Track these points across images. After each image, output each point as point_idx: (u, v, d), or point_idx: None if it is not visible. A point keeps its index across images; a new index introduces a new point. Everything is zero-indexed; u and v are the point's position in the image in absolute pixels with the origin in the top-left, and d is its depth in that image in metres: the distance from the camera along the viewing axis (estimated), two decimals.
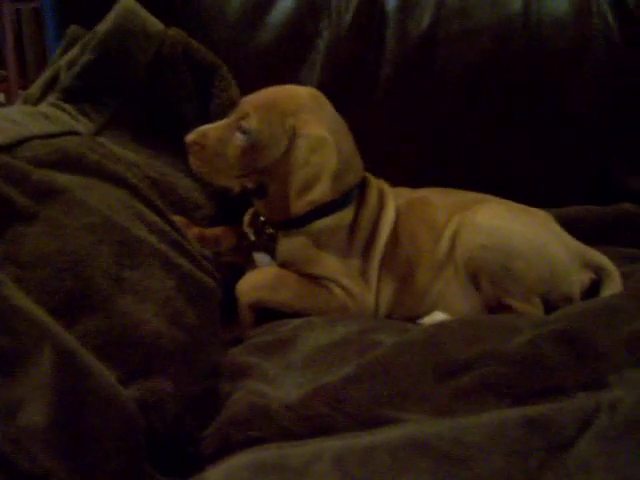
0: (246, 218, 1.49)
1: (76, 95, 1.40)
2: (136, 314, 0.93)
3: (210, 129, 1.38)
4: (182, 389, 0.93)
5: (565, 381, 0.97)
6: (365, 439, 0.85)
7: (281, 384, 1.03)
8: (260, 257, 1.44)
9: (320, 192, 1.32)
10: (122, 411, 0.81)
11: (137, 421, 0.83)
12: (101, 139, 1.34)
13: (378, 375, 0.99)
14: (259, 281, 1.37)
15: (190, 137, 1.38)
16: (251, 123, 1.34)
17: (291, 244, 1.40)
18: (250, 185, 1.39)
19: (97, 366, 0.81)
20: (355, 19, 1.75)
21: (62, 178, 1.03)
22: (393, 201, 1.47)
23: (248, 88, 1.45)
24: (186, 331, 0.99)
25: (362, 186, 1.46)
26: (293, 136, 1.33)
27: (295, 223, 1.38)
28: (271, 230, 1.42)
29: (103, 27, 1.44)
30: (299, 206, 1.33)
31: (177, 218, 1.30)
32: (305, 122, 1.34)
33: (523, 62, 1.77)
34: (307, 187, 1.32)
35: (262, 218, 1.44)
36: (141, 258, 1.01)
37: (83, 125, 1.36)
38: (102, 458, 0.78)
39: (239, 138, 1.35)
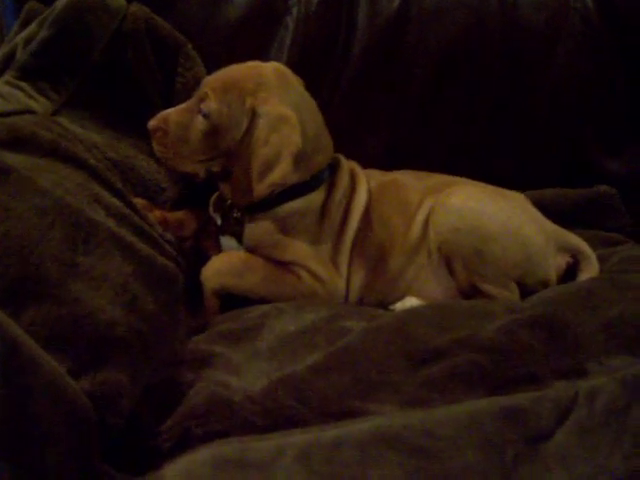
0: (212, 201, 1.44)
1: (33, 73, 1.35)
2: (89, 301, 0.88)
3: (171, 113, 1.34)
4: (139, 381, 0.89)
5: (542, 369, 0.94)
6: (331, 432, 0.82)
7: (245, 374, 0.98)
8: (227, 241, 1.39)
9: (281, 173, 1.27)
10: (72, 405, 0.76)
11: (89, 416, 0.78)
12: (59, 119, 1.29)
13: (346, 364, 0.95)
14: (224, 266, 1.32)
15: (152, 122, 1.33)
16: (210, 105, 1.29)
17: (258, 228, 1.35)
18: (216, 169, 1.34)
19: (44, 357, 0.76)
20: None
21: (11, 158, 0.98)
22: (365, 184, 1.43)
23: (215, 67, 1.40)
24: (144, 319, 0.94)
25: (333, 168, 1.41)
26: (253, 115, 1.28)
27: (261, 206, 1.33)
28: (238, 214, 1.37)
29: (61, 2, 1.39)
30: (260, 188, 1.28)
31: (139, 201, 1.26)
32: (265, 100, 1.28)
33: (498, 40, 1.74)
34: (267, 168, 1.27)
35: (228, 201, 1.39)
36: (96, 242, 0.96)
37: (40, 104, 1.31)
38: (50, 456, 0.73)
39: (200, 121, 1.31)
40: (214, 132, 1.30)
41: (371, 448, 0.78)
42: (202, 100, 1.31)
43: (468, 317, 1.08)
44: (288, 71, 1.37)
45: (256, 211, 1.34)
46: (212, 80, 1.34)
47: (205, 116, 1.30)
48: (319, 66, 1.70)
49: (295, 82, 1.36)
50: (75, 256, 0.92)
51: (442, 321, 1.06)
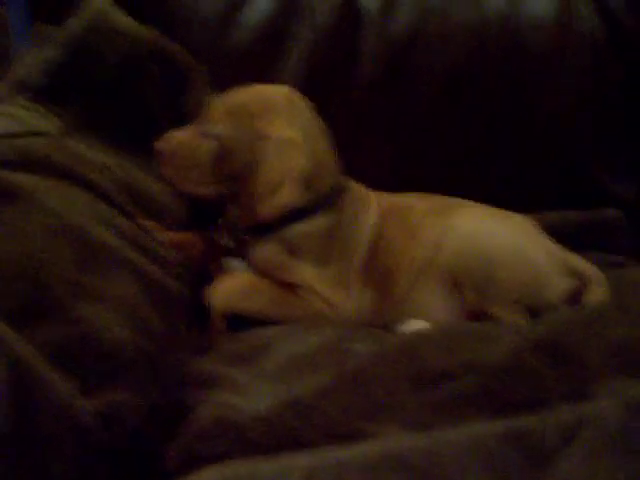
0: (219, 222, 1.44)
1: (44, 94, 1.36)
2: (96, 321, 0.88)
3: (179, 135, 1.34)
4: (145, 401, 0.89)
5: (547, 392, 0.93)
6: (338, 454, 0.81)
7: (251, 395, 0.98)
8: (233, 263, 1.39)
9: (287, 196, 1.28)
10: (77, 425, 0.77)
11: (94, 436, 0.79)
12: (69, 140, 1.30)
13: (352, 387, 0.94)
14: (232, 288, 1.32)
15: (160, 144, 1.34)
16: (218, 128, 1.30)
17: (264, 250, 1.35)
18: (223, 191, 1.35)
19: (49, 374, 0.76)
20: (331, 19, 1.72)
21: (22, 179, 0.99)
22: (372, 205, 1.43)
23: (222, 89, 1.40)
24: (151, 339, 0.94)
25: (340, 190, 1.41)
26: (260, 138, 1.28)
27: (267, 228, 1.33)
28: (244, 235, 1.37)
29: (73, 24, 1.41)
30: (266, 211, 1.28)
31: (147, 222, 1.26)
32: (272, 124, 1.29)
33: (502, 63, 1.74)
34: (273, 190, 1.27)
35: (235, 223, 1.39)
36: (104, 262, 0.97)
37: (51, 125, 1.32)
38: (54, 471, 0.74)
39: (207, 143, 1.31)
40: (221, 154, 1.31)
41: (377, 470, 0.78)
42: (209, 122, 1.32)
43: (475, 339, 1.07)
44: (296, 94, 1.37)
45: (262, 233, 1.35)
46: (219, 102, 1.34)
47: (212, 138, 1.31)
48: (325, 88, 1.71)
49: (303, 105, 1.37)
50: (83, 276, 0.93)
51: (448, 344, 1.05)
